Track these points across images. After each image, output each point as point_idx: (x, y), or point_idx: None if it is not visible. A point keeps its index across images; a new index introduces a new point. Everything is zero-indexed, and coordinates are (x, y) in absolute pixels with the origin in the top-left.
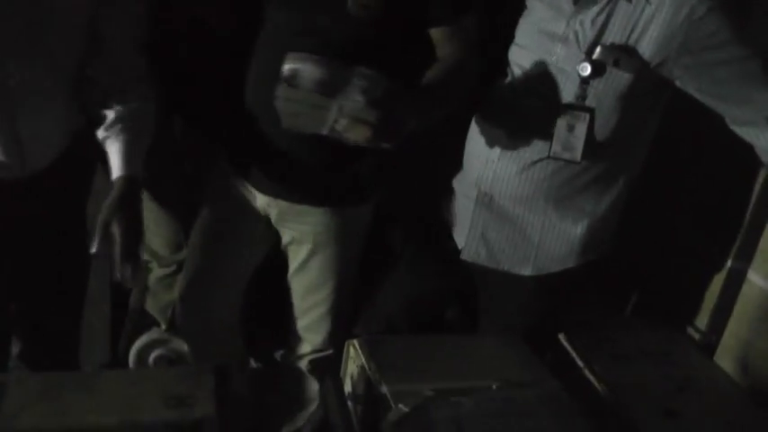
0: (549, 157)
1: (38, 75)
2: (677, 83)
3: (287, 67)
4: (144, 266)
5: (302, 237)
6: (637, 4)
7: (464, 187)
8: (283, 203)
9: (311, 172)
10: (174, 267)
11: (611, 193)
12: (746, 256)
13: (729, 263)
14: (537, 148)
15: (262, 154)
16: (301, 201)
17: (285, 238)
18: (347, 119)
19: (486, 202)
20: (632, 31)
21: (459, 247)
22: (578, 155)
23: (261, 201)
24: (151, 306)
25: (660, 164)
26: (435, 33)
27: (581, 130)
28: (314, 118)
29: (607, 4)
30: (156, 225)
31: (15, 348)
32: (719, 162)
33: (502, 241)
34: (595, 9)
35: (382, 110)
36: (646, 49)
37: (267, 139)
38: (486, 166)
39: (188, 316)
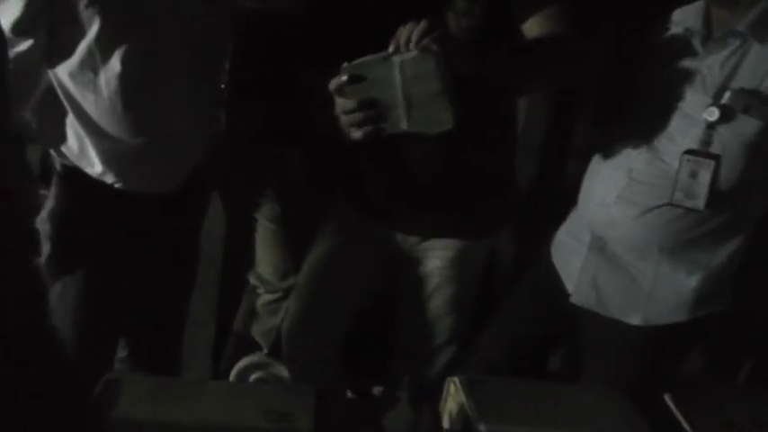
0: (669, 203)
1: (194, 80)
2: None
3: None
4: (251, 290)
5: (430, 270)
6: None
7: (576, 230)
8: (412, 238)
9: (442, 205)
10: (280, 294)
11: (729, 245)
12: None
13: None
14: (656, 194)
15: (390, 188)
16: (432, 235)
17: (409, 272)
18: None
19: (599, 246)
20: (765, 75)
21: (569, 291)
22: (702, 203)
23: (385, 235)
24: (255, 330)
25: None
26: (529, 29)
27: (705, 177)
28: (382, 101)
29: (739, 47)
30: (265, 251)
31: (122, 352)
32: None
33: (612, 287)
34: (725, 52)
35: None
36: None
37: (394, 171)
38: (601, 209)
39: (293, 343)
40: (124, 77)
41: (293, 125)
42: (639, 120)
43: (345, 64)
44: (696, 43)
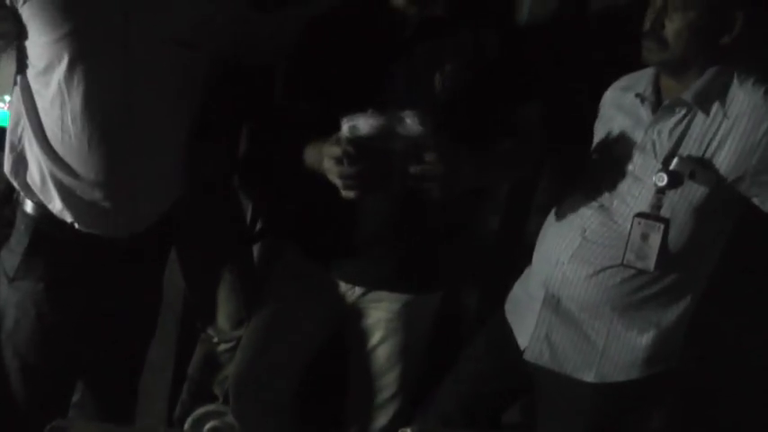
0: (621, 264)
1: (164, 126)
2: (755, 200)
3: (345, 127)
4: (206, 339)
5: (374, 323)
6: (714, 117)
7: (531, 287)
8: (358, 289)
9: (391, 257)
10: (233, 343)
11: (680, 303)
12: None
13: None
14: (609, 254)
15: (340, 238)
16: (378, 287)
17: (355, 323)
18: (411, 155)
19: (552, 304)
20: (709, 144)
21: (522, 347)
22: (652, 264)
23: (333, 285)
24: (211, 379)
25: (730, 274)
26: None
27: (655, 239)
28: (382, 170)
29: (685, 116)
30: (220, 300)
31: (75, 396)
32: None
33: (566, 345)
34: (673, 120)
35: (440, 140)
36: (722, 163)
37: (346, 222)
38: (555, 267)
39: (240, 396)
40: (91, 116)
41: (255, 170)
42: (591, 180)
43: (346, 131)
44: (646, 109)
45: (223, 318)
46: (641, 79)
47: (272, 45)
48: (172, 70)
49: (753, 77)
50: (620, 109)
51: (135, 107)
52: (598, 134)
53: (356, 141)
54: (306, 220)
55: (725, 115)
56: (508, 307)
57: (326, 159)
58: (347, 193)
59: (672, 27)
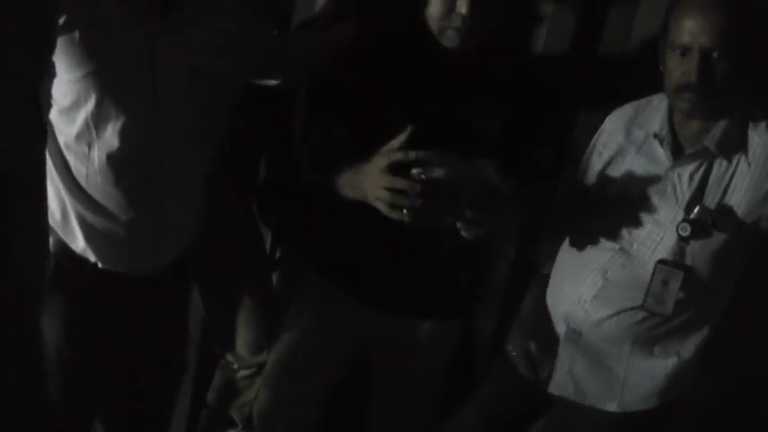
0: (641, 307)
1: (188, 160)
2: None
3: (413, 155)
4: (224, 365)
5: (396, 348)
6: (733, 162)
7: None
8: (383, 318)
9: (413, 283)
10: (253, 369)
11: (699, 334)
12: None
13: None
14: (630, 296)
15: (363, 264)
16: (401, 313)
17: (376, 349)
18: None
19: (574, 338)
20: (727, 189)
21: (540, 375)
22: (669, 309)
23: (355, 311)
24: (230, 405)
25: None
26: None
27: (675, 285)
28: (445, 206)
29: (705, 160)
30: (240, 326)
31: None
32: None
33: (588, 377)
34: (694, 164)
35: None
36: (740, 207)
37: (369, 248)
38: (577, 304)
39: (264, 425)
40: (119, 153)
41: (275, 196)
42: (612, 220)
43: (419, 172)
44: (666, 152)
45: (242, 344)
46: (652, 115)
47: (294, 68)
48: (197, 102)
49: (765, 120)
50: (630, 143)
51: (161, 141)
52: (600, 159)
53: (429, 182)
54: (328, 246)
55: (741, 160)
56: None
57: (376, 188)
58: (397, 215)
59: (722, 73)
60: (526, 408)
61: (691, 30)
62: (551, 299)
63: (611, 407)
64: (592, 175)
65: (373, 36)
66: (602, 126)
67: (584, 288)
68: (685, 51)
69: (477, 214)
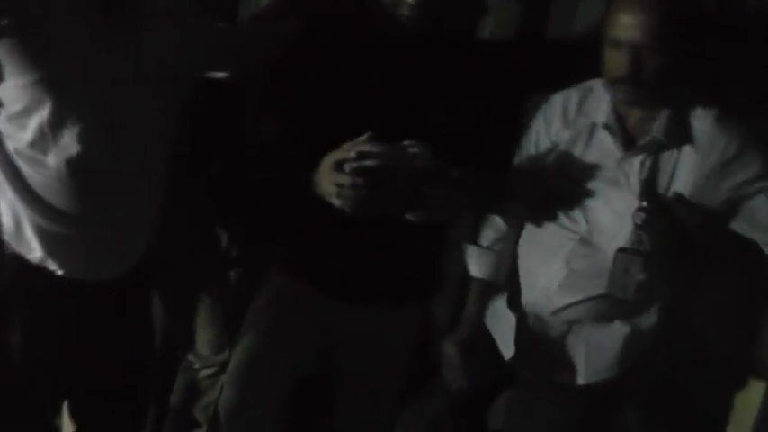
0: (605, 294)
1: (147, 162)
2: (718, 218)
3: (352, 153)
4: (187, 367)
5: (360, 338)
6: (680, 148)
7: (512, 301)
8: (343, 305)
9: (374, 271)
10: (216, 368)
11: (656, 306)
12: None
13: None
14: (593, 284)
15: (322, 255)
16: (361, 302)
17: (340, 340)
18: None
19: (538, 323)
20: (675, 174)
21: (506, 357)
22: (632, 294)
23: (316, 304)
24: (193, 406)
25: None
26: None
27: (635, 271)
28: (388, 188)
29: (653, 150)
30: (200, 326)
31: None
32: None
33: (552, 356)
34: (643, 154)
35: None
36: (688, 191)
37: (328, 238)
38: (542, 293)
39: (228, 423)
40: (78, 160)
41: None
42: (569, 211)
43: (355, 162)
44: (616, 142)
45: (203, 343)
46: (597, 104)
47: (246, 59)
48: (155, 105)
49: (704, 106)
50: (578, 133)
51: (121, 145)
52: (547, 147)
53: (367, 171)
54: (286, 240)
55: (687, 146)
56: (490, 320)
57: (327, 184)
58: (347, 204)
59: (652, 67)
60: (490, 387)
61: (623, 25)
62: (515, 286)
63: (575, 380)
64: (541, 163)
65: (321, 29)
66: (543, 112)
67: (549, 278)
68: (619, 45)
69: (422, 199)
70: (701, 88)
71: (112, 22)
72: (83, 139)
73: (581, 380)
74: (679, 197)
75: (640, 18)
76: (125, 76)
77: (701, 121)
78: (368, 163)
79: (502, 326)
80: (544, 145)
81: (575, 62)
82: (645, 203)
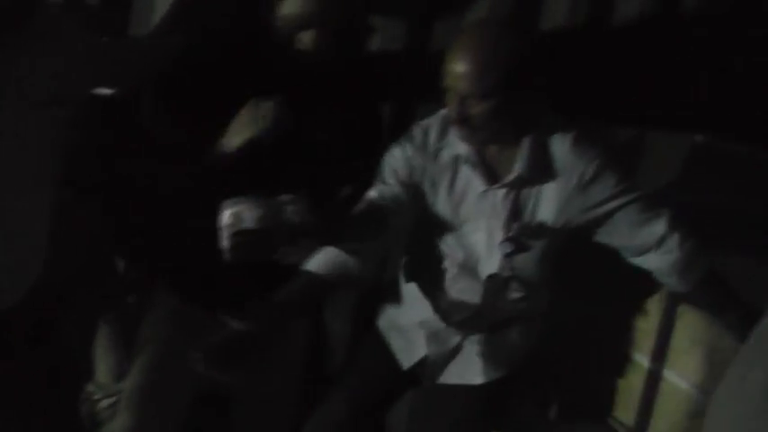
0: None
1: (35, 191)
2: (582, 235)
3: (227, 213)
4: (87, 398)
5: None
6: (540, 179)
7: (407, 317)
8: (227, 321)
9: (259, 291)
10: (117, 397)
11: (542, 304)
12: (662, 356)
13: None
14: (469, 308)
15: (208, 277)
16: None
17: None
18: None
19: (431, 336)
20: (538, 202)
21: (405, 366)
22: (505, 314)
23: (206, 325)
24: None
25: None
26: None
27: (505, 294)
28: (264, 251)
29: (515, 182)
30: (99, 354)
31: None
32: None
33: (449, 362)
34: (506, 188)
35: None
36: (551, 217)
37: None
38: (432, 313)
39: None
40: None
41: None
42: (445, 242)
43: (229, 220)
44: (479, 177)
45: (103, 371)
46: (455, 137)
47: (134, 72)
48: (40, 132)
49: (562, 131)
50: (443, 168)
51: (7, 174)
52: (400, 172)
53: (242, 232)
54: (175, 263)
55: (547, 175)
56: (386, 330)
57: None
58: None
59: (477, 113)
60: (394, 389)
61: (450, 74)
62: (408, 302)
63: (476, 381)
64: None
65: (210, 46)
66: (403, 142)
67: (436, 301)
68: (449, 91)
69: (293, 247)
70: (557, 113)
71: None
72: None
73: (479, 380)
74: (542, 224)
75: (464, 69)
76: (11, 106)
77: (560, 147)
78: (245, 221)
79: (398, 336)
80: (403, 174)
81: None
82: (510, 234)
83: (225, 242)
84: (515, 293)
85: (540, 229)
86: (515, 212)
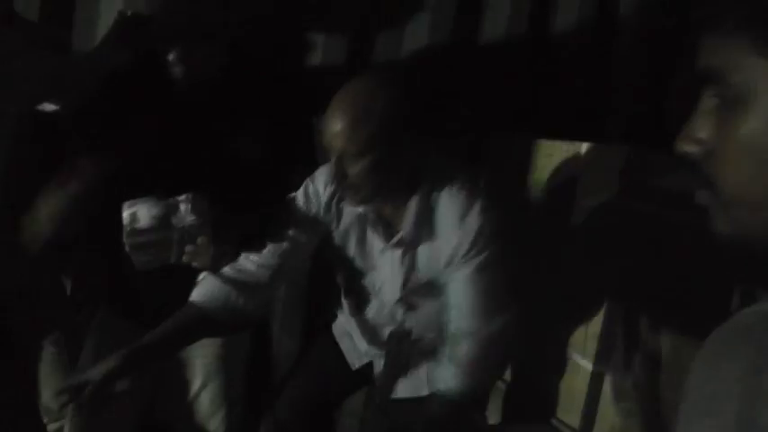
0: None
1: None
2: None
3: (125, 214)
4: None
5: (194, 369)
6: (427, 238)
7: (349, 329)
8: None
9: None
10: (62, 423)
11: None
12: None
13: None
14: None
15: (144, 293)
16: None
17: (176, 375)
18: (191, 241)
19: (371, 348)
20: (432, 257)
21: (354, 368)
22: (408, 362)
23: (141, 335)
24: None
25: None
26: None
27: (406, 346)
28: (162, 252)
29: (401, 243)
30: (46, 377)
31: None
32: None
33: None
34: (401, 250)
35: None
36: (442, 270)
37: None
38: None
39: None
40: None
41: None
42: (348, 295)
43: (127, 220)
44: (378, 236)
45: (49, 395)
46: None
47: (70, 89)
48: None
49: (445, 188)
50: (349, 224)
51: None
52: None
53: (136, 231)
54: (112, 279)
55: (435, 231)
56: (337, 333)
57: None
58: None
59: (354, 172)
60: (343, 388)
61: (326, 133)
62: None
63: (424, 392)
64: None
65: (133, 68)
66: (315, 187)
67: (361, 322)
68: (327, 151)
69: (196, 253)
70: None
71: None
72: None
73: (425, 391)
74: (429, 284)
75: (338, 127)
76: None
77: (441, 204)
78: (141, 221)
79: (347, 344)
80: (315, 209)
81: None
82: (400, 294)
83: (124, 242)
84: (418, 337)
85: (428, 289)
86: (410, 271)
